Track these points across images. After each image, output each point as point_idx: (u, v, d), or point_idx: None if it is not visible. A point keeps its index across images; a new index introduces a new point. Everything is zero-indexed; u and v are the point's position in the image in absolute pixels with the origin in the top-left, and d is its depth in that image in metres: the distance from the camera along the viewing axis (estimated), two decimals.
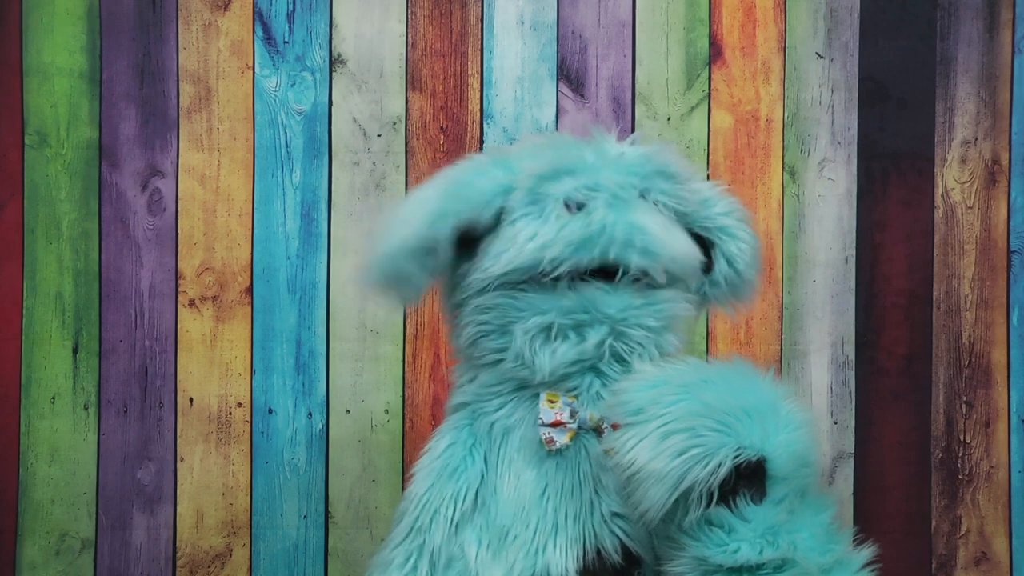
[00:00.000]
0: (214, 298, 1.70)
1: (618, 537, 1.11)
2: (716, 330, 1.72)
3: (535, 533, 1.10)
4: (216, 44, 1.70)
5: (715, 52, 1.73)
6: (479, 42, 1.72)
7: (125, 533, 1.69)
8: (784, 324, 1.73)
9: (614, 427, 1.10)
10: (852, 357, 1.73)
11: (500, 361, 1.14)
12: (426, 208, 1.11)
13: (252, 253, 1.70)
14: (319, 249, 1.70)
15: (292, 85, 1.70)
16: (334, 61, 1.71)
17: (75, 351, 1.69)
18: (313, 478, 1.70)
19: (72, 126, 1.69)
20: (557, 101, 1.72)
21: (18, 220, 1.68)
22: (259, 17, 1.70)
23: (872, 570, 1.02)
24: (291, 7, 1.70)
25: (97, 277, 1.69)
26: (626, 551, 1.11)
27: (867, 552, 1.02)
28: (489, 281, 1.11)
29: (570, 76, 1.72)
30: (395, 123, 1.71)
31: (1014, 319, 1.74)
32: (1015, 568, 1.73)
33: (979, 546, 1.74)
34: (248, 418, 1.70)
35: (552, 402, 1.12)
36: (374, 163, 1.70)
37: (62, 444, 1.69)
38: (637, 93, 1.72)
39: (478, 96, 1.71)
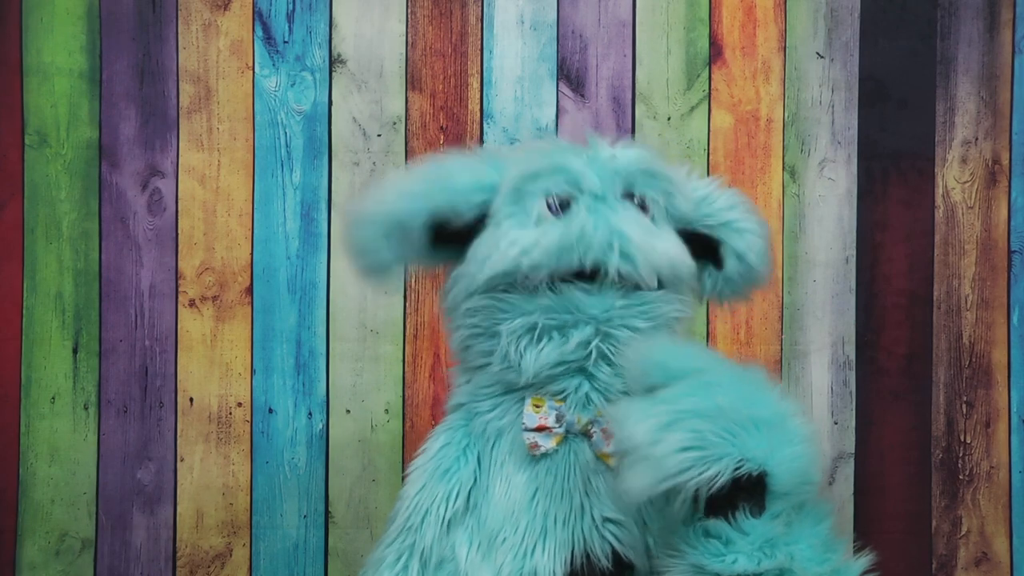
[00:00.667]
0: (214, 298, 1.70)
1: (609, 542, 1.10)
2: (716, 330, 1.72)
3: (523, 536, 1.10)
4: (216, 44, 1.70)
5: (715, 52, 1.73)
6: (479, 42, 1.72)
7: (125, 533, 1.69)
8: (784, 324, 1.73)
9: (606, 432, 1.10)
10: (852, 357, 1.73)
11: (490, 363, 1.14)
12: (402, 188, 1.13)
13: (252, 253, 1.70)
14: (319, 249, 1.70)
15: (292, 85, 1.70)
16: (334, 61, 1.71)
17: (75, 351, 1.69)
18: (313, 478, 1.70)
19: (72, 126, 1.69)
20: (557, 101, 1.72)
21: (18, 220, 1.68)
22: (259, 17, 1.70)
23: None
24: (291, 7, 1.70)
25: (97, 277, 1.69)
26: (617, 557, 1.11)
27: (864, 560, 1.02)
28: (477, 284, 1.12)
29: (570, 76, 1.72)
30: (395, 123, 1.71)
31: (1014, 319, 1.73)
32: (1015, 568, 1.73)
33: (979, 546, 1.74)
34: (248, 418, 1.70)
35: (537, 406, 1.12)
36: (374, 163, 1.70)
37: (62, 444, 1.69)
38: (637, 93, 1.72)
39: (478, 96, 1.71)
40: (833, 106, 1.73)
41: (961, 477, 1.74)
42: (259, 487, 1.70)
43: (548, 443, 1.12)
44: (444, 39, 1.72)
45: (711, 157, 1.72)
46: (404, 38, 1.71)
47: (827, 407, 1.73)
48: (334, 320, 1.70)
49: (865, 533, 1.71)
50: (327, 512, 1.70)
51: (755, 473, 0.95)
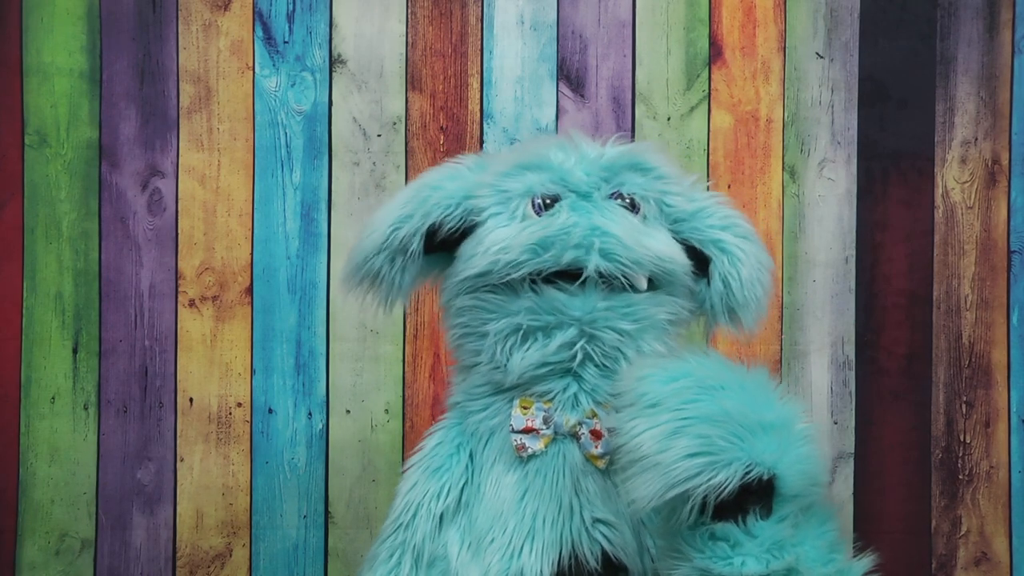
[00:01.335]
0: (214, 298, 1.70)
1: (599, 543, 1.10)
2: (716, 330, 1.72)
3: (511, 537, 1.10)
4: (216, 44, 1.70)
5: (715, 52, 1.73)
6: (479, 42, 1.72)
7: (125, 533, 1.69)
8: (784, 324, 1.73)
9: (594, 433, 1.10)
10: (852, 357, 1.73)
11: (480, 363, 1.14)
12: (395, 211, 1.14)
13: (252, 253, 1.70)
14: (319, 249, 1.70)
15: (292, 85, 1.70)
16: (334, 61, 1.71)
17: (75, 351, 1.69)
18: (313, 478, 1.70)
19: (72, 126, 1.69)
20: (557, 101, 1.72)
21: (18, 220, 1.68)
22: (259, 17, 1.70)
23: None
24: (291, 7, 1.70)
25: (97, 277, 1.69)
26: (608, 558, 1.10)
27: (867, 561, 1.02)
28: (464, 282, 1.11)
29: (570, 76, 1.72)
30: (395, 123, 1.71)
31: (1014, 319, 1.74)
32: (1015, 568, 1.73)
33: (979, 546, 1.74)
34: (248, 418, 1.70)
35: (525, 408, 1.11)
36: (374, 163, 1.70)
37: (62, 444, 1.69)
38: (637, 93, 1.72)
39: (478, 96, 1.71)
40: (833, 106, 1.73)
41: (961, 477, 1.74)
42: (259, 487, 1.70)
43: (536, 445, 1.11)
44: (444, 39, 1.72)
45: (711, 157, 1.72)
46: (404, 38, 1.71)
47: (827, 407, 1.73)
48: (334, 320, 1.70)
49: (865, 533, 1.71)
50: (327, 512, 1.70)
51: (764, 477, 0.95)
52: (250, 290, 1.70)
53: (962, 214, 1.74)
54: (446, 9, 1.72)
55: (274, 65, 1.70)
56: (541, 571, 1.08)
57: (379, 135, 1.71)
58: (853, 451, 1.73)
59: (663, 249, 1.09)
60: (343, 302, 1.70)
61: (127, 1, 1.69)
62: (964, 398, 1.74)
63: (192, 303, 1.70)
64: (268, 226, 1.70)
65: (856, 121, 1.73)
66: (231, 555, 1.70)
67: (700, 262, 1.16)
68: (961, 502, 1.74)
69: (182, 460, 1.70)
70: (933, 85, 1.73)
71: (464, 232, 1.14)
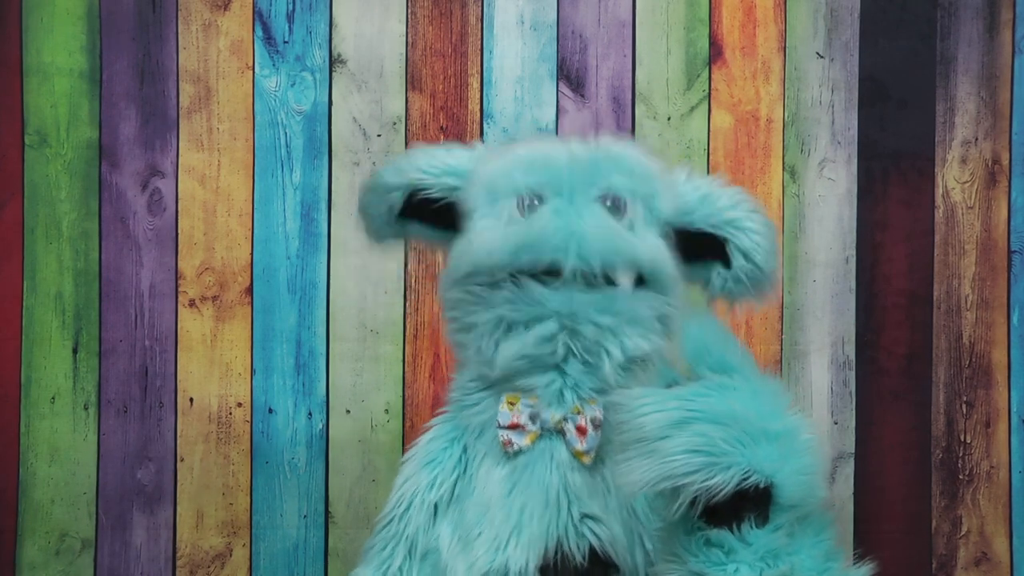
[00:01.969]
0: (214, 298, 1.70)
1: (587, 539, 1.09)
2: None
3: (498, 530, 1.10)
4: (216, 44, 1.70)
5: (715, 52, 1.73)
6: (479, 42, 1.72)
7: (125, 533, 1.69)
8: (784, 324, 1.73)
9: (579, 429, 1.10)
10: (852, 357, 1.73)
11: (471, 357, 1.14)
12: (395, 162, 1.20)
13: (252, 253, 1.70)
14: (319, 249, 1.70)
15: (292, 85, 1.70)
16: (334, 61, 1.71)
17: (75, 351, 1.69)
18: (313, 478, 1.70)
19: (72, 126, 1.69)
20: (557, 101, 1.72)
21: (18, 220, 1.68)
22: (259, 17, 1.70)
23: None
24: (291, 7, 1.70)
25: (97, 277, 1.69)
26: (597, 554, 1.10)
27: (865, 569, 1.02)
28: (455, 279, 1.13)
29: (570, 76, 1.72)
30: (395, 123, 1.71)
31: (1014, 319, 1.73)
32: (1015, 568, 1.73)
33: (979, 546, 1.74)
34: (248, 418, 1.70)
35: (511, 404, 1.12)
36: (374, 163, 1.70)
37: (62, 444, 1.69)
38: (637, 93, 1.72)
39: (478, 96, 1.71)
40: (833, 106, 1.73)
41: (961, 477, 1.74)
42: (259, 487, 1.70)
43: (522, 441, 1.11)
44: (444, 39, 1.72)
45: (711, 157, 1.72)
46: (404, 38, 1.71)
47: (827, 407, 1.73)
48: (334, 320, 1.70)
49: (865, 533, 1.71)
50: (327, 512, 1.70)
51: (762, 485, 0.94)
52: (250, 290, 1.70)
53: (962, 214, 1.74)
54: (446, 9, 1.72)
55: (274, 65, 1.70)
56: (526, 565, 1.08)
57: (379, 135, 1.71)
58: (853, 451, 1.73)
59: (642, 251, 1.10)
60: (343, 302, 1.70)
61: (127, 1, 1.69)
62: (964, 398, 1.74)
63: (192, 303, 1.70)
64: (268, 226, 1.70)
65: (856, 121, 1.73)
66: (231, 555, 1.70)
67: (709, 250, 1.17)
68: (961, 502, 1.74)
69: (182, 460, 1.70)
70: (933, 85, 1.73)
71: (445, 212, 1.16)
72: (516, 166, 1.12)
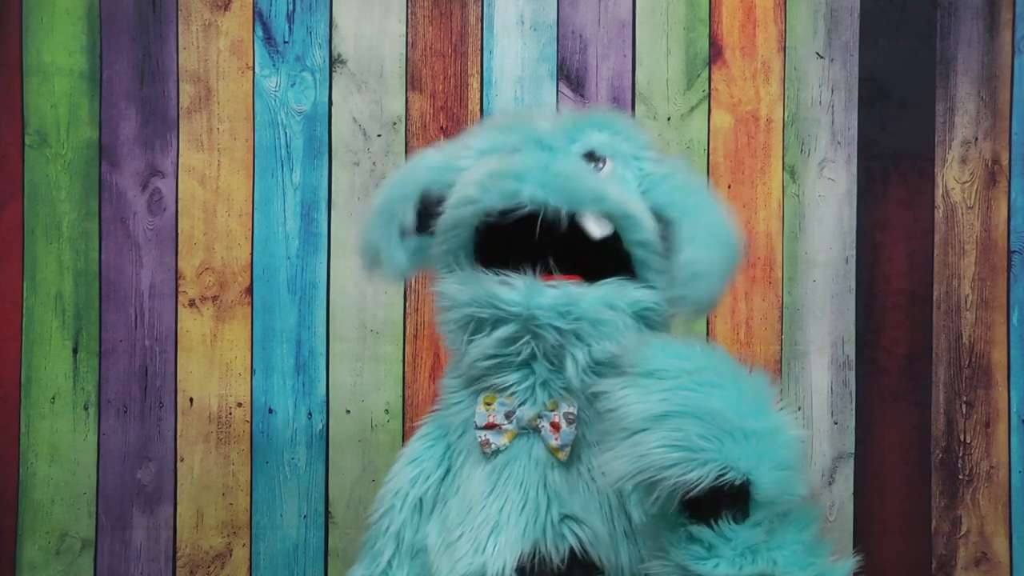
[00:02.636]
0: (214, 298, 1.70)
1: (567, 540, 1.08)
2: (716, 330, 1.72)
3: (477, 531, 1.09)
4: (216, 44, 1.70)
5: (715, 52, 1.73)
6: (479, 42, 1.72)
7: (125, 533, 1.69)
8: (784, 324, 1.73)
9: (554, 425, 1.09)
10: (852, 357, 1.73)
11: (454, 354, 1.14)
12: (388, 183, 1.16)
13: (252, 253, 1.70)
14: (319, 249, 1.70)
15: (292, 85, 1.70)
16: (334, 61, 1.71)
17: (75, 351, 1.69)
18: (313, 478, 1.70)
19: (72, 126, 1.69)
20: (557, 101, 1.72)
21: (18, 220, 1.68)
22: (259, 17, 1.70)
23: None
24: (291, 7, 1.70)
25: (97, 277, 1.69)
26: (578, 557, 1.09)
27: (850, 563, 1.02)
28: (439, 261, 1.12)
29: (570, 76, 1.72)
30: (395, 123, 1.71)
31: (1014, 319, 1.74)
32: (1015, 568, 1.73)
33: (979, 546, 1.74)
34: (248, 418, 1.70)
35: (488, 404, 1.11)
36: (374, 163, 1.70)
37: (62, 444, 1.69)
38: (637, 93, 1.72)
39: (478, 96, 1.71)
40: (833, 106, 1.73)
41: (961, 477, 1.74)
42: (259, 487, 1.70)
43: (499, 440, 1.11)
44: (444, 39, 1.72)
45: (711, 157, 1.72)
46: (404, 38, 1.71)
47: (827, 407, 1.73)
48: (334, 320, 1.70)
49: (865, 533, 1.71)
50: (327, 512, 1.70)
51: (738, 481, 0.95)
52: (250, 290, 1.70)
53: (962, 214, 1.74)
54: (446, 9, 1.72)
55: (274, 65, 1.70)
56: (504, 566, 1.07)
57: (379, 135, 1.71)
58: (853, 451, 1.73)
59: (613, 193, 1.05)
60: (343, 302, 1.70)
61: (127, 1, 1.69)
62: (964, 398, 1.74)
63: (192, 303, 1.70)
64: (268, 226, 1.70)
65: (856, 121, 1.73)
66: (231, 555, 1.70)
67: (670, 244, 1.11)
68: (961, 502, 1.74)
69: (182, 460, 1.70)
70: (933, 85, 1.73)
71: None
72: (503, 128, 1.13)
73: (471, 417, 1.13)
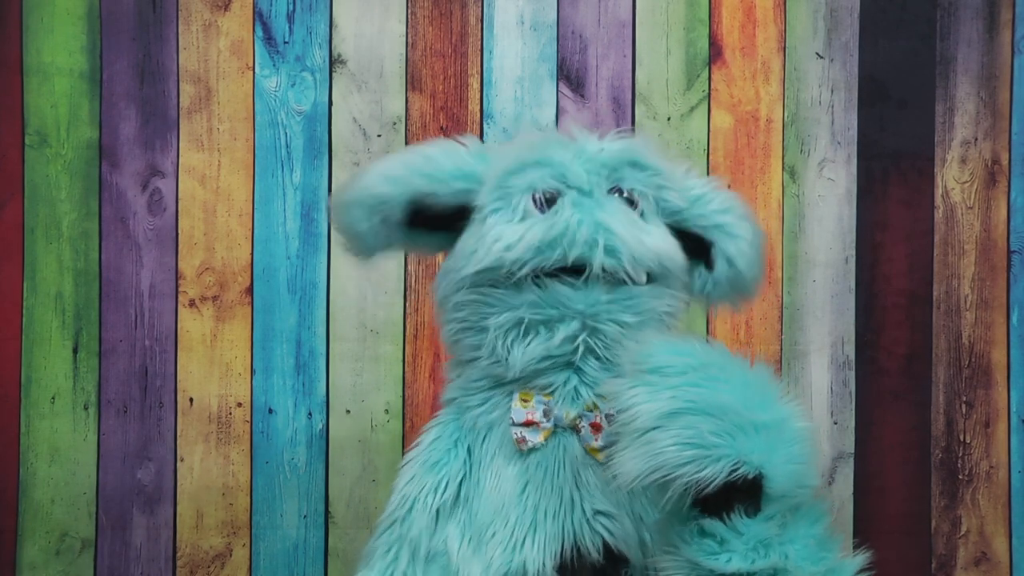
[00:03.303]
0: (214, 298, 1.70)
1: (600, 535, 1.10)
2: (716, 330, 1.72)
3: (513, 530, 1.10)
4: (216, 44, 1.70)
5: (715, 52, 1.73)
6: (479, 42, 1.72)
7: (125, 533, 1.69)
8: (784, 324, 1.73)
9: (594, 426, 1.10)
10: (852, 357, 1.73)
11: (479, 358, 1.14)
12: (384, 170, 1.15)
13: (252, 253, 1.70)
14: (319, 249, 1.70)
15: (292, 85, 1.70)
16: (334, 61, 1.71)
17: (75, 351, 1.69)
18: (313, 478, 1.70)
19: (72, 126, 1.69)
20: (557, 101, 1.72)
21: (18, 220, 1.68)
22: (259, 17, 1.70)
23: None
24: (291, 7, 1.70)
25: (97, 277, 1.69)
26: (609, 550, 1.10)
27: (860, 559, 1.02)
28: (463, 279, 1.12)
29: (570, 76, 1.72)
30: (395, 123, 1.71)
31: (1014, 319, 1.74)
32: (1015, 568, 1.74)
33: (979, 546, 1.74)
34: (248, 418, 1.70)
35: (525, 401, 1.12)
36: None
37: (62, 444, 1.69)
38: (637, 93, 1.72)
39: (478, 96, 1.71)
40: (833, 106, 1.73)
41: (961, 477, 1.74)
42: (259, 487, 1.70)
43: (536, 438, 1.11)
44: (444, 39, 1.72)
45: (711, 157, 1.72)
46: (404, 38, 1.71)
47: (827, 407, 1.73)
48: (334, 320, 1.70)
49: (865, 533, 1.71)
50: (327, 512, 1.70)
51: (751, 476, 0.95)
52: (250, 290, 1.70)
53: (962, 214, 1.74)
54: (446, 9, 1.72)
55: (274, 65, 1.70)
56: (544, 564, 1.08)
57: (379, 135, 1.71)
58: (853, 451, 1.73)
59: (662, 246, 1.11)
60: (343, 302, 1.70)
61: (127, 1, 1.69)
62: (964, 398, 1.74)
63: (192, 303, 1.70)
64: (268, 226, 1.70)
65: (856, 121, 1.73)
66: (231, 555, 1.70)
67: (694, 249, 1.18)
68: (961, 502, 1.74)
69: (182, 460, 1.70)
70: (933, 85, 1.74)
71: (454, 216, 1.14)
72: (528, 162, 1.12)
73: (497, 418, 1.14)
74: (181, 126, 1.70)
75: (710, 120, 1.73)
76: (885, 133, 1.73)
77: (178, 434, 1.70)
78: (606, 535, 1.10)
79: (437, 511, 1.15)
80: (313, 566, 1.70)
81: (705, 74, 1.73)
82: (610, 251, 1.07)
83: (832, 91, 1.73)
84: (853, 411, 1.73)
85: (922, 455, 1.74)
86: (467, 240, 1.12)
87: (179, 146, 1.70)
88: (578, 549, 1.09)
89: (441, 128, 1.71)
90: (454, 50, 1.72)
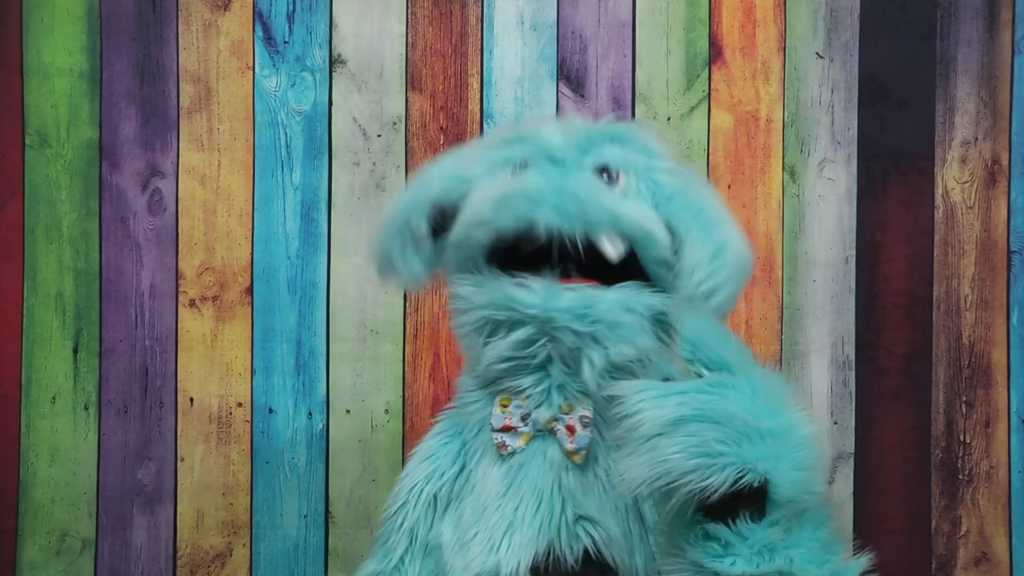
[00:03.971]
0: (214, 298, 1.70)
1: (581, 541, 1.08)
2: None
3: (492, 531, 1.09)
4: (216, 44, 1.70)
5: (715, 52, 1.73)
6: (479, 42, 1.72)
7: (125, 533, 1.70)
8: (784, 324, 1.73)
9: (569, 428, 1.09)
10: (852, 357, 1.73)
11: (471, 354, 1.14)
12: (402, 192, 1.16)
13: (252, 253, 1.70)
14: (319, 249, 1.70)
15: (292, 85, 1.70)
16: (334, 61, 1.71)
17: (75, 351, 1.69)
18: (313, 478, 1.70)
19: (72, 126, 1.69)
20: (557, 101, 1.72)
21: (18, 220, 1.68)
22: (259, 17, 1.70)
23: None
24: (291, 7, 1.70)
25: (97, 277, 1.69)
26: (590, 556, 1.09)
27: (864, 560, 1.02)
28: (451, 261, 1.11)
29: (570, 76, 1.72)
30: (395, 123, 1.71)
31: (1014, 319, 1.74)
32: (1015, 568, 1.74)
33: (979, 546, 1.74)
34: (248, 418, 1.70)
35: (504, 406, 1.11)
36: (374, 163, 1.70)
37: (62, 444, 1.69)
38: (637, 93, 1.72)
39: (478, 96, 1.71)
40: (833, 106, 1.73)
41: (961, 477, 1.74)
42: (259, 487, 1.70)
43: (516, 443, 1.10)
44: (444, 39, 1.72)
45: (711, 157, 1.72)
46: (404, 38, 1.71)
47: (827, 407, 1.73)
48: (334, 320, 1.70)
49: (864, 533, 1.71)
50: (327, 512, 1.70)
51: (757, 483, 0.95)
52: (250, 290, 1.70)
53: (962, 214, 1.74)
54: (446, 9, 1.72)
55: (274, 65, 1.70)
56: (517, 566, 1.07)
57: (379, 135, 1.71)
58: (853, 451, 1.73)
59: (629, 212, 1.04)
60: (343, 302, 1.70)
61: (127, 1, 1.69)
62: (964, 398, 1.74)
63: (192, 303, 1.70)
64: (268, 226, 1.70)
65: (856, 121, 1.73)
66: (231, 555, 1.70)
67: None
68: (961, 502, 1.74)
69: (182, 460, 1.70)
70: (933, 85, 1.73)
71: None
72: (514, 139, 1.12)
73: (487, 417, 1.13)
74: (181, 126, 1.70)
75: (710, 120, 1.73)
76: (885, 133, 1.73)
77: (178, 434, 1.70)
78: (587, 540, 1.08)
79: (433, 500, 1.15)
80: (313, 566, 1.70)
81: (705, 74, 1.73)
82: (559, 210, 1.01)
83: (832, 91, 1.73)
84: (853, 411, 1.73)
85: (922, 455, 1.74)
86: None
87: (179, 146, 1.70)
88: (554, 554, 1.08)
89: (441, 128, 1.71)
90: (454, 50, 1.72)
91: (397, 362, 1.71)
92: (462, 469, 1.16)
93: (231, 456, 1.70)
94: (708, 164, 1.72)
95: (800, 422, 0.98)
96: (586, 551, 1.08)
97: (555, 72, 1.72)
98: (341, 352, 1.70)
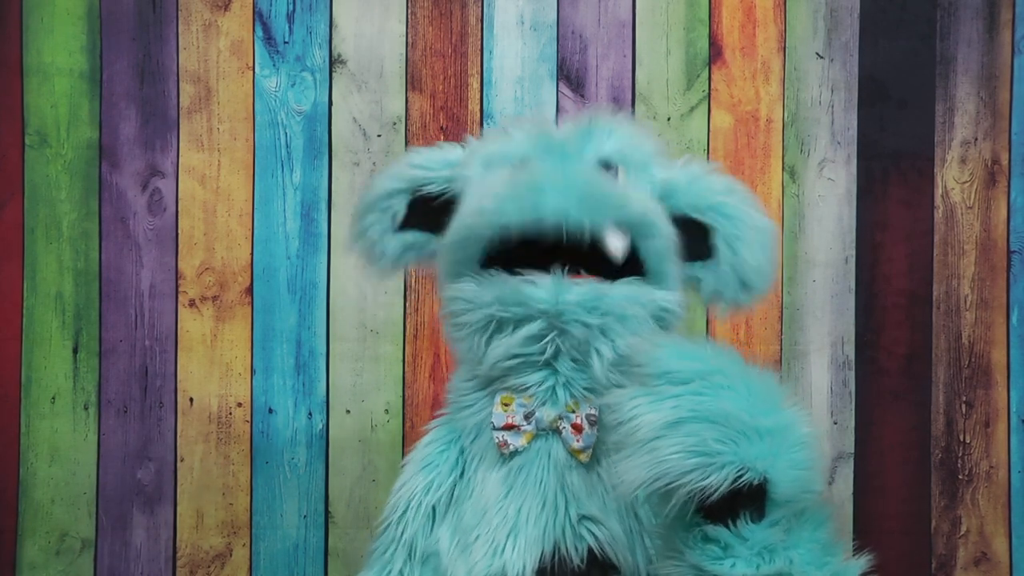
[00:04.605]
0: (214, 298, 1.70)
1: (585, 541, 1.08)
2: (716, 330, 1.72)
3: (495, 533, 1.08)
4: (216, 44, 1.70)
5: (715, 52, 1.73)
6: (479, 42, 1.72)
7: (125, 533, 1.70)
8: (784, 324, 1.73)
9: (575, 427, 1.09)
10: (852, 357, 1.73)
11: (468, 357, 1.13)
12: (385, 172, 1.19)
13: (252, 253, 1.70)
14: (319, 249, 1.70)
15: (292, 85, 1.70)
16: (334, 61, 1.71)
17: (75, 351, 1.69)
18: (313, 478, 1.70)
19: (72, 126, 1.69)
20: (557, 101, 1.72)
21: (18, 220, 1.68)
22: (259, 17, 1.70)
23: None
24: (291, 7, 1.70)
25: (97, 277, 1.69)
26: (595, 555, 1.08)
27: (863, 561, 1.02)
28: (448, 262, 1.10)
29: (570, 76, 1.72)
30: (395, 123, 1.71)
31: (1014, 319, 1.74)
32: (1015, 568, 1.74)
33: (979, 546, 1.74)
34: (248, 418, 1.70)
35: (506, 405, 1.10)
36: (374, 163, 1.70)
37: (62, 444, 1.69)
38: (637, 93, 1.72)
39: (478, 96, 1.72)
40: (833, 106, 1.73)
41: (960, 477, 1.74)
42: (259, 487, 1.70)
43: (518, 441, 1.10)
44: (444, 39, 1.72)
45: (711, 157, 1.72)
46: (404, 38, 1.71)
47: (827, 407, 1.73)
48: (334, 320, 1.70)
49: (864, 533, 1.71)
50: (327, 512, 1.70)
51: (755, 482, 0.94)
52: (250, 290, 1.70)
53: (962, 214, 1.74)
54: (446, 9, 1.72)
55: (274, 65, 1.70)
56: (524, 568, 1.06)
57: (379, 135, 1.71)
58: (853, 451, 1.73)
59: (632, 203, 1.05)
60: (343, 302, 1.70)
61: (127, 1, 1.69)
62: (964, 398, 1.74)
63: (192, 303, 1.70)
64: (268, 226, 1.70)
65: (856, 121, 1.73)
66: (231, 555, 1.70)
67: (696, 247, 1.13)
68: (961, 502, 1.74)
69: (182, 460, 1.70)
70: (933, 85, 1.74)
71: (448, 202, 1.14)
72: (512, 139, 1.12)
73: (485, 419, 1.12)
74: (181, 126, 1.70)
75: (710, 120, 1.73)
76: (885, 133, 1.73)
77: (178, 434, 1.70)
78: (591, 540, 1.08)
79: (432, 511, 1.15)
80: (313, 566, 1.70)
81: (705, 74, 1.73)
82: (564, 204, 1.01)
83: (832, 91, 1.73)
84: (853, 411, 1.73)
85: (922, 455, 1.74)
86: (455, 217, 1.11)
87: (179, 146, 1.70)
88: (560, 554, 1.07)
89: (441, 128, 1.71)
90: (454, 50, 1.72)
91: (397, 362, 1.71)
92: (461, 476, 1.15)
93: (231, 456, 1.70)
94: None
95: (798, 421, 0.98)
96: (590, 551, 1.08)
97: (555, 72, 1.72)
98: (341, 352, 1.70)
